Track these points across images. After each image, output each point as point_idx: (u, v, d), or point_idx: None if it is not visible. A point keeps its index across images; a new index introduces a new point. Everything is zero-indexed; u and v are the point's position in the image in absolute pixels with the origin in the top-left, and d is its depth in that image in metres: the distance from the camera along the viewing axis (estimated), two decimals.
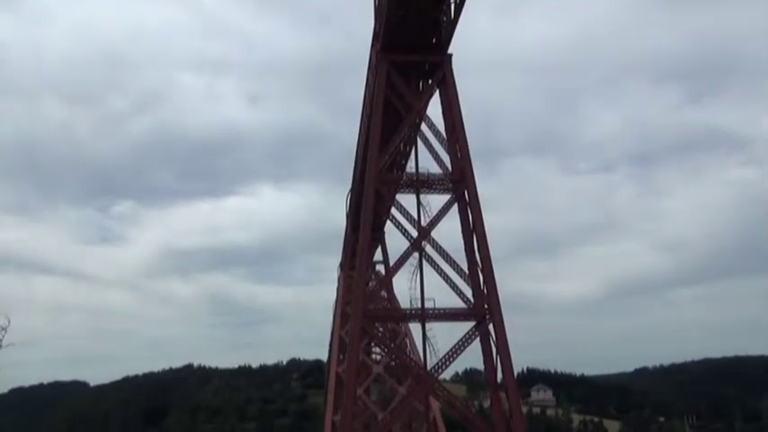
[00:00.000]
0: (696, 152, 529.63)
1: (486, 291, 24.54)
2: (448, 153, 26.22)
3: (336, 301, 49.90)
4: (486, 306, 24.46)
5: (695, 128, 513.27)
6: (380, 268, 46.49)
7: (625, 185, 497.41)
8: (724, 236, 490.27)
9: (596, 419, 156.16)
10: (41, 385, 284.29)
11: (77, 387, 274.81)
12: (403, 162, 29.96)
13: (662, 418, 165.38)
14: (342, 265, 50.08)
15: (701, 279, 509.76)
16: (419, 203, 26.52)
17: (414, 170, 27.21)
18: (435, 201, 26.60)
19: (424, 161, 27.23)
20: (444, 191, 26.20)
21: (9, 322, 8.06)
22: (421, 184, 26.45)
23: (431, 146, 26.63)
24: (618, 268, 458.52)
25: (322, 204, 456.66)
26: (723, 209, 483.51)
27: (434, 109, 26.76)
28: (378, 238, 43.09)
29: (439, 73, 25.67)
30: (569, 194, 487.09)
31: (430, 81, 26.21)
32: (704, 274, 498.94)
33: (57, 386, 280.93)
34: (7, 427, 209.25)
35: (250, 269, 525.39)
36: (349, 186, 41.45)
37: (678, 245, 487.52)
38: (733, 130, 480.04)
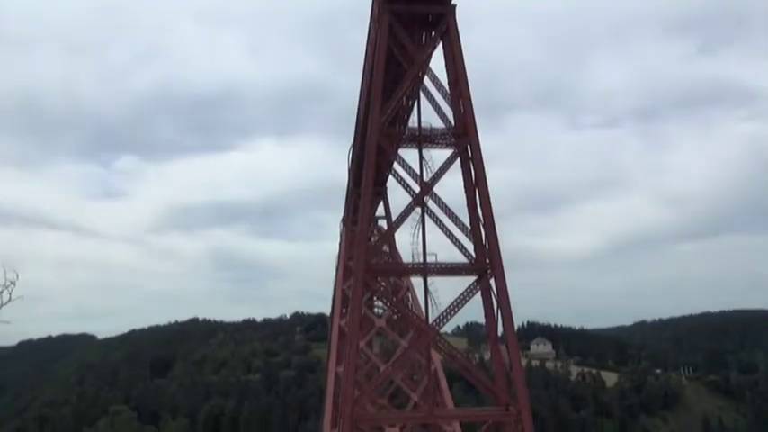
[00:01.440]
0: (703, 106, 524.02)
1: (487, 245, 24.65)
2: (451, 107, 25.92)
3: (339, 255, 50.22)
4: (487, 260, 24.61)
5: (703, 81, 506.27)
6: (383, 223, 46.60)
7: (630, 140, 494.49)
8: (727, 191, 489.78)
9: (594, 371, 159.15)
10: (50, 338, 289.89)
11: (85, 340, 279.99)
12: (405, 116, 29.65)
13: (659, 371, 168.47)
14: (344, 221, 50.17)
15: (702, 234, 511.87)
16: (421, 158, 26.36)
17: (416, 125, 26.94)
18: (438, 156, 26.46)
19: (427, 115, 26.97)
20: (447, 146, 26.01)
21: (18, 276, 8.14)
22: (423, 139, 26.24)
23: (433, 100, 26.31)
24: (620, 223, 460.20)
25: (324, 159, 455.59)
26: (728, 164, 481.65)
27: (437, 62, 26.34)
28: (380, 194, 43.06)
29: (442, 24, 25.10)
30: (573, 149, 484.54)
31: (433, 33, 25.65)
32: (706, 229, 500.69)
33: (65, 339, 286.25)
34: (17, 378, 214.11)
35: (253, 224, 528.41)
36: (351, 141, 41.19)
37: (681, 200, 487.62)
38: (741, 83, 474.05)
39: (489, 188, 24.86)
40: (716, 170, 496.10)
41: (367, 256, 25.51)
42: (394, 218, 32.32)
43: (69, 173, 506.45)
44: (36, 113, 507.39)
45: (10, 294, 8.07)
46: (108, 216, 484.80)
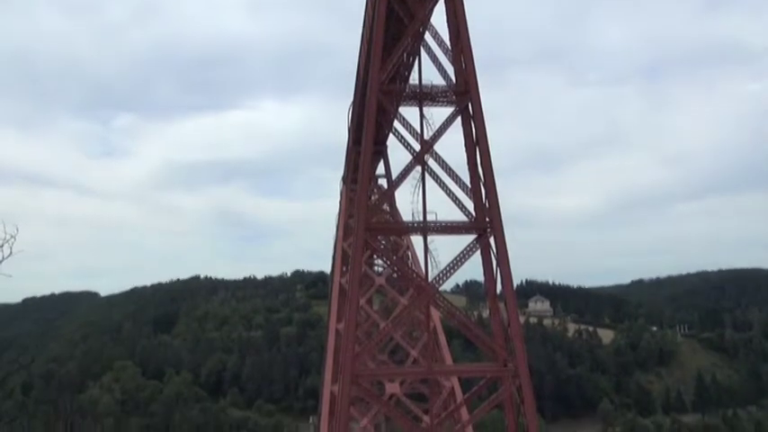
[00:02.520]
0: (708, 65, 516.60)
1: (487, 204, 24.65)
2: (452, 64, 25.52)
3: (339, 214, 50.30)
4: (487, 219, 24.64)
5: (709, 40, 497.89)
6: (383, 182, 46.53)
7: (633, 98, 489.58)
8: (729, 150, 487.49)
9: (591, 329, 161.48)
10: (53, 295, 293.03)
11: (88, 297, 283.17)
12: (406, 73, 29.24)
13: (654, 328, 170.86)
14: (344, 179, 50.09)
15: (702, 193, 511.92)
16: (422, 116, 26.09)
17: (417, 82, 26.57)
18: (438, 114, 26.19)
19: (428, 73, 26.57)
20: (448, 103, 25.71)
21: (17, 230, 8.16)
22: (424, 97, 25.91)
23: (435, 57, 25.89)
24: (620, 183, 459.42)
25: (326, 117, 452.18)
26: (730, 123, 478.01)
27: (439, 18, 25.81)
28: (380, 152, 42.84)
29: None
30: (576, 108, 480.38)
31: None
32: (706, 188, 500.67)
33: (68, 296, 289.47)
34: (22, 335, 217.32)
35: (254, 183, 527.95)
36: (352, 99, 40.74)
37: (682, 159, 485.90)
38: (747, 42, 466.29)
39: (490, 147, 24.72)
40: (718, 130, 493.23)
41: (367, 214, 25.53)
42: (394, 176, 32.24)
43: (69, 132, 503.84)
44: (34, 73, 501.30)
45: (11, 248, 8.11)
46: (109, 174, 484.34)
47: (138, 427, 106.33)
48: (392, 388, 32.92)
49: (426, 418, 29.39)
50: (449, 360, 35.49)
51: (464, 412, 29.62)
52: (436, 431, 25.62)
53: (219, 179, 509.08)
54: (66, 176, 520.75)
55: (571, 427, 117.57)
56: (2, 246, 8.05)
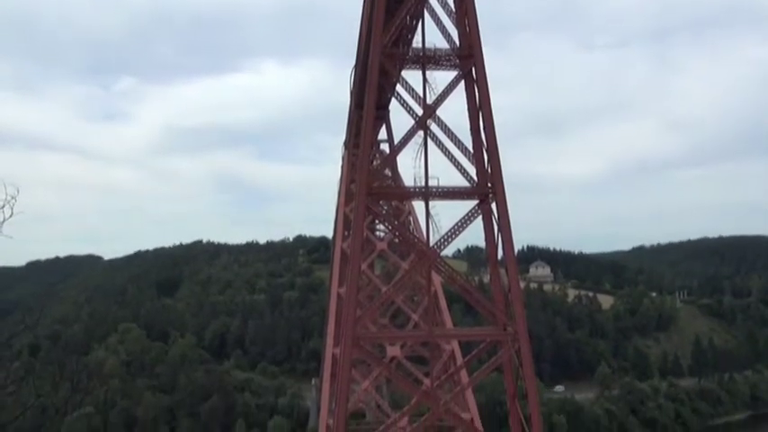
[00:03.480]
0: (716, 28, 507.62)
1: (489, 170, 24.57)
2: (456, 27, 25.12)
3: (341, 179, 50.23)
4: (489, 185, 24.60)
5: (718, 2, 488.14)
6: (385, 147, 46.31)
7: (640, 62, 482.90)
8: (734, 116, 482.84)
9: (591, 294, 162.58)
10: (57, 259, 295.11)
11: (92, 261, 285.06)
12: (409, 36, 28.78)
13: (654, 294, 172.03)
14: (346, 144, 49.85)
15: (705, 160, 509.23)
16: (425, 80, 25.78)
17: (420, 45, 26.18)
18: (442, 78, 25.86)
19: (432, 36, 26.14)
20: (451, 67, 25.39)
21: (18, 191, 8.17)
22: (427, 60, 25.56)
23: (438, 19, 25.46)
24: (624, 149, 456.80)
25: (328, 81, 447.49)
26: (736, 89, 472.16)
27: None
28: (382, 117, 42.48)
29: None
30: (582, 72, 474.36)
31: None
32: (709, 155, 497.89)
33: (72, 260, 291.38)
34: (27, 297, 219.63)
35: (256, 147, 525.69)
36: (354, 62, 40.22)
37: (687, 125, 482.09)
38: (757, 4, 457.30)
39: (493, 112, 24.52)
40: (723, 95, 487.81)
41: (368, 179, 25.49)
42: (396, 142, 32.07)
43: (69, 95, 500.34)
44: (32, 35, 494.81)
45: (12, 209, 8.12)
46: (110, 138, 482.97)
47: (144, 387, 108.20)
48: (393, 351, 33.40)
49: (426, 381, 29.86)
50: (449, 324, 35.90)
51: (464, 375, 30.10)
52: (436, 393, 26.05)
53: (221, 144, 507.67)
54: (68, 141, 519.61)
55: (569, 389, 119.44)
56: (2, 207, 8.07)
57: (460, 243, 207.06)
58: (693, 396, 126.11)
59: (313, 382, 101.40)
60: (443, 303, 36.92)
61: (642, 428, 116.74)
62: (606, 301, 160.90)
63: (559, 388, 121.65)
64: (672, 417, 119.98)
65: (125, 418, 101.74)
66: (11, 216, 8.01)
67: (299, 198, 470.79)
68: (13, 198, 7.95)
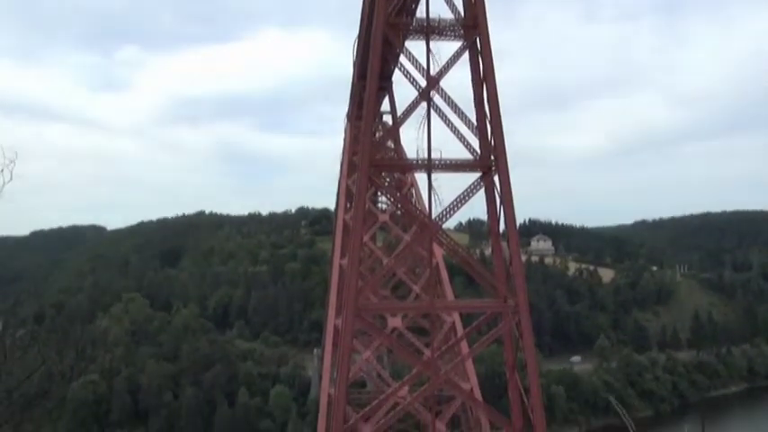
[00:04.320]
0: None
1: (493, 142, 24.44)
2: None
3: (343, 150, 50.01)
4: (492, 157, 24.50)
5: None
6: (388, 119, 46.00)
7: (648, 35, 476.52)
8: (743, 90, 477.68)
9: (591, 268, 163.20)
10: (60, 229, 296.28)
11: (95, 231, 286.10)
12: (413, 6, 28.35)
13: (655, 268, 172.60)
14: (349, 115, 49.51)
15: (709, 134, 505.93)
16: (428, 51, 25.48)
17: (424, 15, 25.82)
18: (446, 49, 25.57)
19: (436, 5, 25.77)
20: (455, 38, 25.07)
21: (17, 155, 8.18)
22: (431, 30, 25.23)
23: None
24: (628, 122, 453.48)
25: (331, 51, 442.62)
26: (743, 62, 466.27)
27: None
28: (385, 88, 42.09)
29: None
30: (588, 44, 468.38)
31: None
32: (713, 128, 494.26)
33: (75, 230, 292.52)
34: (32, 266, 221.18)
35: (258, 118, 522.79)
36: (357, 31, 39.72)
37: (692, 99, 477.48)
38: None
39: (498, 83, 24.29)
40: (729, 68, 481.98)
41: (371, 151, 25.38)
42: (399, 113, 31.83)
43: (70, 64, 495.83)
44: (33, 2, 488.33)
45: (11, 173, 8.15)
46: (112, 108, 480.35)
47: (148, 356, 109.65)
48: (394, 322, 33.67)
49: (427, 351, 30.15)
50: (450, 296, 36.08)
51: (464, 346, 30.37)
52: (436, 364, 26.34)
53: (223, 114, 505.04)
54: (69, 110, 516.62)
55: (568, 361, 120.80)
56: (1, 170, 8.09)
57: (462, 216, 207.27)
58: (691, 369, 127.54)
59: (315, 351, 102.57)
60: (445, 275, 37.05)
61: (639, 400, 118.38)
62: (607, 274, 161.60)
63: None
64: (669, 389, 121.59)
65: (129, 385, 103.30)
66: (10, 180, 8.02)
67: (301, 170, 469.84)
68: (12, 162, 7.96)
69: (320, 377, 51.85)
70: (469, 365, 31.25)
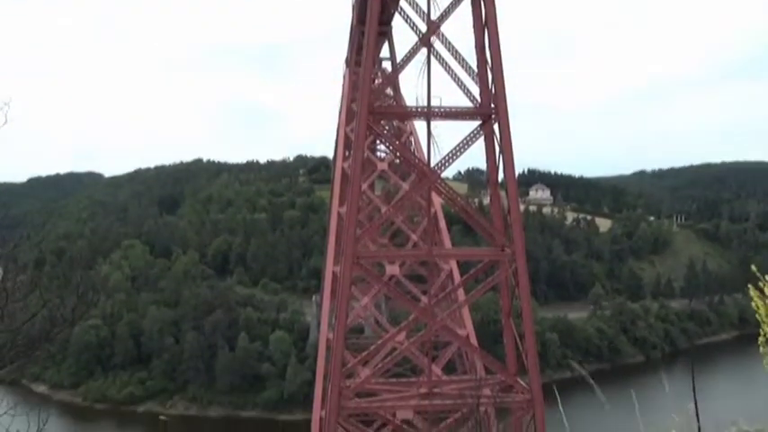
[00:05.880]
0: None
1: (493, 90, 24.12)
2: None
3: (342, 97, 49.37)
4: (492, 105, 24.22)
5: None
6: (387, 65, 45.21)
7: None
8: (746, 36, 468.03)
9: (589, 218, 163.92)
10: (58, 176, 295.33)
11: (92, 178, 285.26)
12: None
13: (652, 218, 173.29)
14: (347, 61, 48.65)
15: (712, 82, 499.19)
16: None
17: None
18: None
19: None
20: None
21: (11, 98, 8.05)
22: None
23: None
24: (631, 69, 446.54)
25: None
26: (755, 5, 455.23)
27: None
28: (385, 33, 41.16)
29: None
30: None
31: None
32: (717, 76, 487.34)
33: (72, 177, 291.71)
34: (31, 214, 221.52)
35: (257, 64, 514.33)
36: None
37: (700, 45, 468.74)
38: None
39: (500, 29, 23.77)
40: (740, 12, 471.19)
41: (370, 97, 25.05)
42: (399, 60, 31.25)
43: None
44: None
45: (5, 116, 8.03)
46: (109, 50, 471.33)
47: (149, 301, 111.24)
48: (392, 269, 34.00)
49: (424, 299, 30.56)
50: (448, 244, 36.29)
51: (461, 293, 30.74)
52: (433, 310, 26.74)
53: (221, 60, 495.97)
54: (68, 51, 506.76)
55: (563, 309, 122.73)
56: None
57: (461, 165, 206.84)
58: (683, 317, 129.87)
59: (313, 298, 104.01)
60: (443, 224, 37.16)
61: (631, 346, 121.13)
62: (604, 224, 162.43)
63: None
64: (661, 336, 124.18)
65: (131, 330, 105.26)
66: (5, 124, 7.90)
67: (299, 117, 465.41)
68: (6, 105, 7.82)
69: (319, 323, 52.82)
70: (466, 312, 31.73)
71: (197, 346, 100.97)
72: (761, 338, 4.05)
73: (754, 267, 4.62)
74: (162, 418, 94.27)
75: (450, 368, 32.60)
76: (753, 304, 4.08)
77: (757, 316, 4.06)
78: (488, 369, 27.07)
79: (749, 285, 4.05)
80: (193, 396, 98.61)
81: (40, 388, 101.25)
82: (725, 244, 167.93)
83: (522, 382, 25.06)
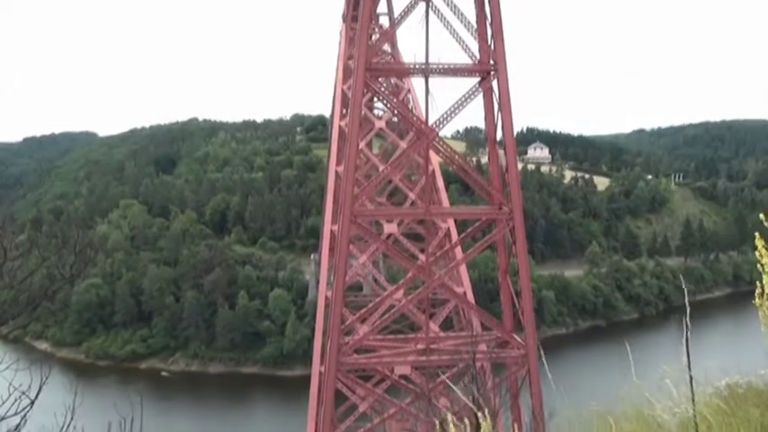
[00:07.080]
0: None
1: (493, 46, 23.76)
2: None
3: (339, 54, 48.63)
4: (491, 62, 23.90)
5: None
6: (384, 21, 44.41)
7: None
8: None
9: (587, 176, 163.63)
10: (53, 135, 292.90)
11: (87, 137, 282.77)
12: None
13: (650, 177, 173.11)
14: (344, 17, 47.73)
15: (714, 37, 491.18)
16: None
17: None
18: None
19: None
20: None
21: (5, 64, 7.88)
22: None
23: None
24: (631, 23, 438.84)
25: None
26: None
27: None
28: None
29: None
30: None
31: None
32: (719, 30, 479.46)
33: (68, 136, 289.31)
34: (27, 173, 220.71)
35: (253, 21, 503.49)
36: None
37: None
38: None
39: None
40: None
41: (367, 54, 24.68)
42: (396, 15, 30.61)
43: None
44: None
45: None
46: (101, 7, 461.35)
47: (148, 260, 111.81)
48: (390, 228, 34.11)
49: (422, 257, 30.75)
50: (446, 203, 36.34)
51: (458, 252, 30.93)
52: (431, 268, 26.95)
53: (215, 18, 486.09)
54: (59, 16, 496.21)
55: (559, 267, 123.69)
56: None
57: (459, 124, 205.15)
58: (678, 274, 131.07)
59: (312, 257, 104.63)
60: (441, 183, 37.13)
61: (626, 303, 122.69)
62: (602, 182, 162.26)
63: None
64: (655, 293, 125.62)
65: (131, 288, 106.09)
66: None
67: (296, 75, 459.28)
68: None
69: (317, 281, 53.23)
70: (463, 270, 32.00)
71: (197, 304, 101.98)
72: (758, 291, 4.09)
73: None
74: (164, 374, 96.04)
75: (447, 325, 33.06)
76: (756, 254, 4.10)
77: (759, 266, 4.09)
78: (485, 325, 27.48)
79: (756, 234, 4.06)
80: (194, 353, 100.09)
81: (43, 345, 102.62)
82: (722, 202, 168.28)
83: (517, 338, 25.46)
